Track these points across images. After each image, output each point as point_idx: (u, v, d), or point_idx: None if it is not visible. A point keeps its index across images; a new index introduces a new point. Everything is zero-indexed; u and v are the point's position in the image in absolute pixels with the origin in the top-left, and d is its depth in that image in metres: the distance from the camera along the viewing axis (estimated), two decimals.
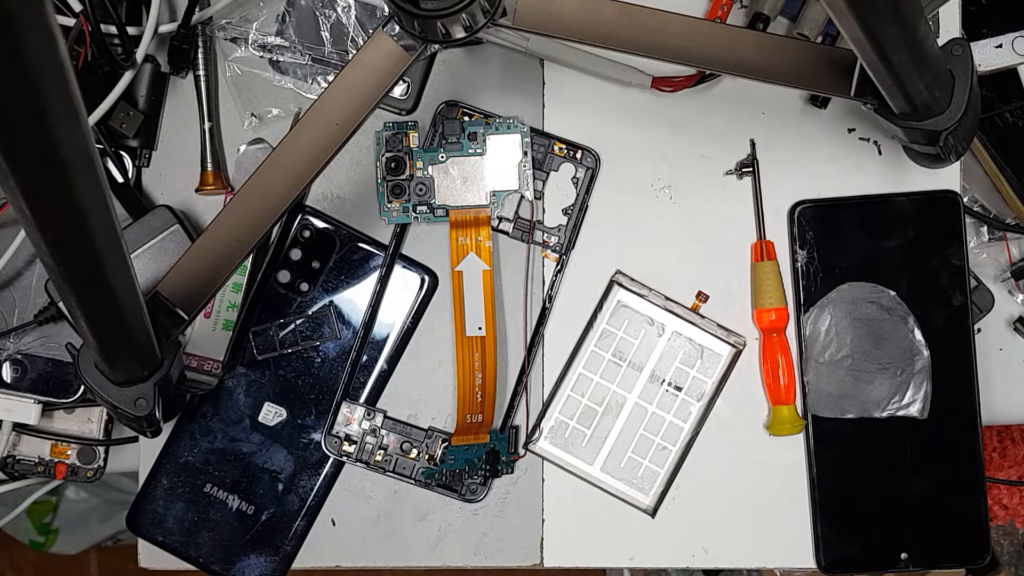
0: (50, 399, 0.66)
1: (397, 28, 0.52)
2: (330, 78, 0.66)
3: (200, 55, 0.66)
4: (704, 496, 0.66)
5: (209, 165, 0.67)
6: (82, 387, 0.65)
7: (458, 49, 0.67)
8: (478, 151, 0.65)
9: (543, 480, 0.67)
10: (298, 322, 0.66)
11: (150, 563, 0.68)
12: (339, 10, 0.66)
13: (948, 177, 0.66)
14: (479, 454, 0.66)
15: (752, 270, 0.66)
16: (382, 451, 0.66)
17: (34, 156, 0.31)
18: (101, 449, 0.69)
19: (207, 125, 0.66)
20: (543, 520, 0.67)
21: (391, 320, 0.67)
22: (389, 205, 0.66)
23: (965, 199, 0.67)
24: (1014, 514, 1.15)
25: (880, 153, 0.67)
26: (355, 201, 0.67)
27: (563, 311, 0.67)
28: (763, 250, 0.66)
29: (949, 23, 0.67)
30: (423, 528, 0.67)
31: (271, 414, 0.66)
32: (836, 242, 0.66)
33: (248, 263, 0.64)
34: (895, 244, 0.66)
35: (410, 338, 0.67)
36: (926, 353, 0.65)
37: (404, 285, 0.67)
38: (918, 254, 0.65)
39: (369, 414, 0.66)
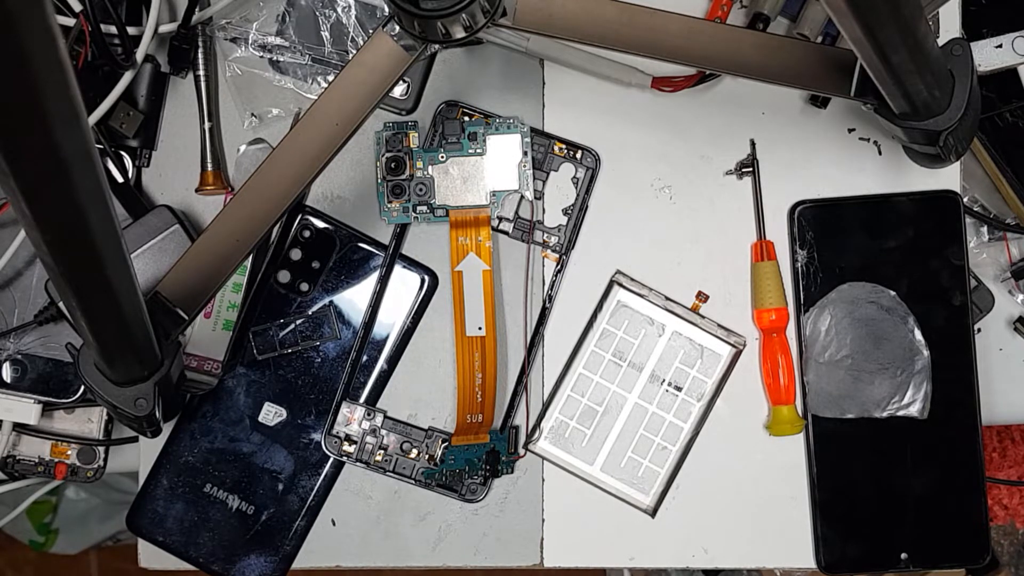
0: (50, 399, 0.66)
1: (397, 28, 0.52)
2: (330, 78, 0.66)
3: (200, 55, 0.66)
4: (704, 496, 0.66)
5: (209, 165, 0.67)
6: (82, 387, 0.65)
7: (458, 49, 0.67)
8: (478, 151, 0.65)
9: (543, 480, 0.67)
10: (298, 322, 0.66)
11: (150, 563, 0.68)
12: (339, 10, 0.66)
13: (948, 177, 0.66)
14: (479, 454, 0.66)
15: (752, 270, 0.66)
16: (382, 451, 0.66)
17: (34, 156, 0.31)
18: (101, 449, 0.69)
19: (207, 125, 0.66)
20: (543, 520, 0.67)
21: (391, 320, 0.67)
22: (389, 205, 0.66)
23: (965, 199, 0.67)
24: (1014, 514, 1.15)
25: (880, 153, 0.67)
26: (355, 201, 0.67)
27: (563, 311, 0.67)
28: (763, 250, 0.66)
29: (949, 23, 0.67)
30: (423, 528, 0.67)
31: (271, 414, 0.66)
32: (836, 242, 0.66)
33: (248, 263, 0.64)
34: (895, 244, 0.66)
35: (410, 338, 0.67)
36: (926, 353, 0.65)
37: (404, 285, 0.67)
38: (918, 254, 0.65)
39: (369, 414, 0.66)
